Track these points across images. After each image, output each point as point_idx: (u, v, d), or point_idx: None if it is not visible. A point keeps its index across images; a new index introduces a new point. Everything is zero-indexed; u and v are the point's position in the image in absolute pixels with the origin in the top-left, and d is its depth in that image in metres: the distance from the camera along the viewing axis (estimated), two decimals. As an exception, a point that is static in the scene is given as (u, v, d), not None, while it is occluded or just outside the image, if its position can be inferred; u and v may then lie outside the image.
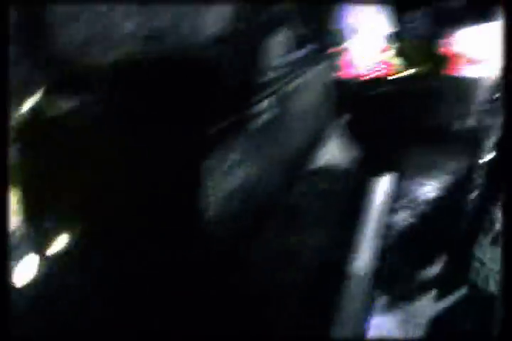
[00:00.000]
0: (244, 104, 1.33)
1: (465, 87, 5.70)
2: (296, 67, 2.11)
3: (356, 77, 5.29)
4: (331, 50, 4.61)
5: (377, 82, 5.46)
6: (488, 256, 1.24)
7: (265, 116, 1.54)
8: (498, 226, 1.20)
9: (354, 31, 5.42)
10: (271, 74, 1.74)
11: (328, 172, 2.16)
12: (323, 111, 2.46)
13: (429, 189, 4.38)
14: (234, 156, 1.27)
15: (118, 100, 1.11)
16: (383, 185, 2.21)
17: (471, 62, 5.66)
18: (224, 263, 1.23)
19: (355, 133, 2.71)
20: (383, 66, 5.67)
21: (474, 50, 5.65)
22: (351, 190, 2.10)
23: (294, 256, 1.54)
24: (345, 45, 5.11)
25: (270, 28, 2.14)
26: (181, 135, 1.09)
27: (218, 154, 1.16)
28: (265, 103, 1.54)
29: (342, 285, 1.45)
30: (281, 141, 1.75)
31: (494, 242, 1.22)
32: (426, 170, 4.75)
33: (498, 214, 1.21)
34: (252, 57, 1.66)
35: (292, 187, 1.82)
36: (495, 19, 5.62)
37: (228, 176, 1.27)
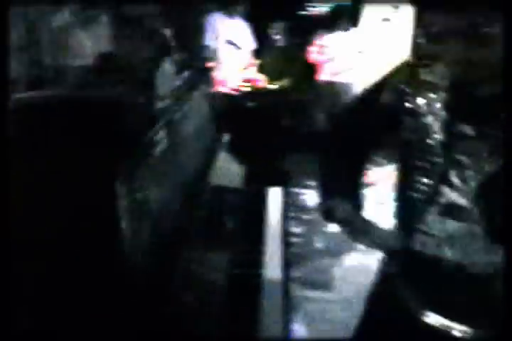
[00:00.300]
0: (140, 136, 1.33)
1: (333, 93, 5.99)
2: (180, 92, 2.12)
3: (229, 92, 5.37)
4: (204, 67, 4.66)
5: (249, 95, 5.58)
6: (438, 227, 1.28)
7: (161, 145, 1.53)
8: (447, 198, 1.23)
9: (222, 47, 5.51)
10: (161, 104, 1.74)
11: (223, 189, 2.18)
12: (211, 129, 2.47)
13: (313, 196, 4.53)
14: (139, 185, 1.26)
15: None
16: (275, 196, 2.25)
17: (336, 69, 5.95)
18: (144, 295, 1.20)
19: (239, 148, 2.74)
20: (251, 80, 5.81)
21: (339, 57, 5.94)
22: (246, 204, 2.12)
23: (205, 274, 1.53)
24: (215, 60, 5.17)
25: (157, 57, 2.14)
26: (88, 171, 1.06)
27: (124, 185, 1.14)
28: (159, 132, 1.54)
29: (258, 296, 1.47)
30: (179, 166, 1.75)
31: (443, 213, 1.25)
32: (311, 178, 4.92)
33: (444, 188, 1.24)
34: (145, 89, 1.67)
35: (193, 208, 1.82)
36: (357, 27, 5.95)
37: (137, 205, 1.25)
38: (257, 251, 1.78)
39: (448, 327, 1.34)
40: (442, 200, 1.33)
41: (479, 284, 1.29)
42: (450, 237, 1.32)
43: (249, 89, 5.70)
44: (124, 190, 1.13)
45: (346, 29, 5.93)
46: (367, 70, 6.03)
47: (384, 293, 1.56)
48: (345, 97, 6.00)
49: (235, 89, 5.50)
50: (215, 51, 5.39)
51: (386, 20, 5.90)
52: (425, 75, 1.39)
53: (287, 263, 1.80)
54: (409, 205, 1.43)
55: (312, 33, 6.03)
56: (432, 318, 1.37)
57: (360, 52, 5.90)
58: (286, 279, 1.67)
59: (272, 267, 1.70)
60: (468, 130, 1.28)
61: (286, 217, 2.14)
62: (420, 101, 1.37)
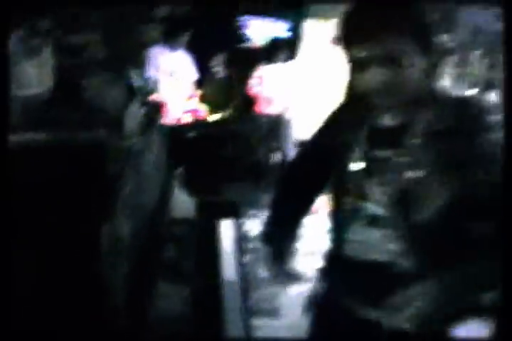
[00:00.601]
0: (116, 176, 1.40)
1: (272, 124, 6.16)
2: (141, 128, 2.20)
3: (173, 123, 5.43)
4: (148, 100, 4.72)
5: (191, 126, 5.65)
6: (363, 235, 1.48)
7: (127, 182, 1.60)
8: (368, 211, 1.43)
9: (163, 78, 5.57)
10: (128, 143, 1.82)
11: (179, 222, 2.28)
12: (164, 163, 2.56)
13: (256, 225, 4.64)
14: (116, 223, 1.34)
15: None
16: (228, 228, 2.36)
17: (271, 101, 6.12)
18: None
19: (190, 180, 2.84)
20: (193, 111, 5.89)
21: (275, 89, 6.12)
22: (201, 236, 2.21)
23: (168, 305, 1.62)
24: (158, 92, 5.22)
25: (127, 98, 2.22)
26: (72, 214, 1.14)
27: (105, 223, 1.22)
28: (128, 171, 1.62)
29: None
30: (143, 202, 1.83)
31: (367, 223, 1.45)
32: (256, 206, 5.05)
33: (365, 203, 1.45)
34: (115, 129, 1.74)
35: (156, 240, 1.91)
36: (294, 59, 6.16)
37: (111, 241, 1.32)
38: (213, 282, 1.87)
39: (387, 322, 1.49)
40: (364, 213, 1.51)
41: (402, 282, 1.43)
42: (373, 242, 1.50)
43: (190, 120, 5.80)
44: (107, 229, 1.22)
45: (285, 61, 6.13)
46: (305, 102, 6.27)
47: (328, 300, 1.68)
48: (283, 129, 6.20)
49: (177, 121, 5.58)
50: (156, 83, 5.47)
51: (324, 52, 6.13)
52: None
53: (244, 291, 1.89)
54: (340, 220, 1.59)
55: (252, 65, 6.21)
56: (373, 315, 1.51)
57: (298, 84, 6.11)
58: (245, 307, 1.76)
59: (231, 295, 1.79)
60: (382, 154, 1.46)
61: (239, 247, 2.22)
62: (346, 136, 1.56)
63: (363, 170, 1.52)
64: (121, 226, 1.36)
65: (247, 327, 1.58)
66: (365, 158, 1.51)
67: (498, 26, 7.64)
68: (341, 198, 1.58)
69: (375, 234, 1.49)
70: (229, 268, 2.01)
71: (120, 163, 1.32)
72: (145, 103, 3.30)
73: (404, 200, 1.43)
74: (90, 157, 1.25)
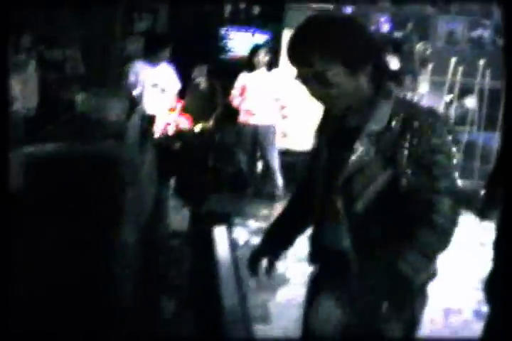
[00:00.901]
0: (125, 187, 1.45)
1: (252, 134, 6.22)
2: (137, 140, 2.26)
3: (156, 135, 5.46)
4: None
5: (175, 137, 5.68)
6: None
7: (131, 195, 1.65)
8: None
9: (147, 90, 5.61)
10: (129, 154, 1.86)
11: (175, 233, 2.31)
12: (156, 174, 2.59)
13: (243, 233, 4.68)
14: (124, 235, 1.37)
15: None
16: (222, 234, 2.39)
17: (253, 111, 6.17)
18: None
19: (181, 191, 2.88)
20: (176, 122, 5.93)
21: (257, 99, 6.17)
22: (196, 244, 2.25)
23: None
24: (139, 104, 5.24)
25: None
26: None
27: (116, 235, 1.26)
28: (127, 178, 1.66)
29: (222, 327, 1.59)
30: (142, 209, 1.86)
31: None
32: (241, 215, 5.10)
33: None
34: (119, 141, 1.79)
35: (152, 248, 1.93)
36: (276, 69, 6.22)
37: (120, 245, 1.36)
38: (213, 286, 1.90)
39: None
40: None
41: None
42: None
43: (173, 131, 5.84)
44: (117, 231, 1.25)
45: (266, 71, 6.18)
46: (287, 112, 6.34)
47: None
48: (266, 138, 6.25)
49: (161, 132, 5.61)
50: (140, 95, 5.51)
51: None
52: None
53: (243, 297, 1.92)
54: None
55: (233, 75, 6.26)
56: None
57: (280, 93, 6.16)
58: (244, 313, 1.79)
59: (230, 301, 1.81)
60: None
61: (233, 253, 2.25)
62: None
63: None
64: (128, 232, 1.40)
65: (249, 333, 1.61)
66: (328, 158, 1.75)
67: (475, 33, 7.82)
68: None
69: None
70: (226, 273, 2.03)
71: (125, 171, 1.36)
72: (143, 115, 3.34)
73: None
74: (100, 166, 1.29)
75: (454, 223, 1.56)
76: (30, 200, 1.16)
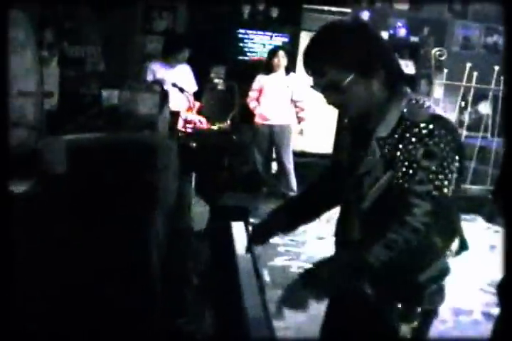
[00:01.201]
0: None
1: (270, 135, 6.29)
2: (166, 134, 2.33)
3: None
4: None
5: (192, 137, 5.75)
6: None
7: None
8: None
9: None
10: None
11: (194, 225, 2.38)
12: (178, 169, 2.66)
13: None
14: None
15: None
16: (240, 229, 2.45)
17: (270, 112, 6.25)
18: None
19: (197, 188, 2.95)
20: (193, 122, 5.99)
21: (274, 100, 6.24)
22: (215, 238, 2.30)
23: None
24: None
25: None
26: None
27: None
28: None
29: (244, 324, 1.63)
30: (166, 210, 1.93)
31: None
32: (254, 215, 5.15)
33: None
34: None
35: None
36: (293, 71, 6.27)
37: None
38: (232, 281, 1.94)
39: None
40: None
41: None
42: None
43: (190, 130, 5.90)
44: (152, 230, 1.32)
45: (283, 73, 6.25)
46: (305, 114, 6.41)
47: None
48: (281, 139, 6.33)
49: (179, 130, 5.68)
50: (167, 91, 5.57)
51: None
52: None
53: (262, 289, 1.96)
54: None
55: (251, 77, 6.34)
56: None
57: (296, 95, 6.23)
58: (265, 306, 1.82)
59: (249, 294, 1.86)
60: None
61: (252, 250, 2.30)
62: None
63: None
64: (159, 223, 1.47)
65: (270, 326, 1.64)
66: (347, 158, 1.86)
67: (489, 39, 7.85)
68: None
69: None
70: (245, 268, 2.08)
71: (163, 158, 1.43)
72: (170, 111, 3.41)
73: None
74: (141, 152, 1.36)
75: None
76: (72, 185, 1.24)
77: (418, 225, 1.58)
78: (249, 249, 2.03)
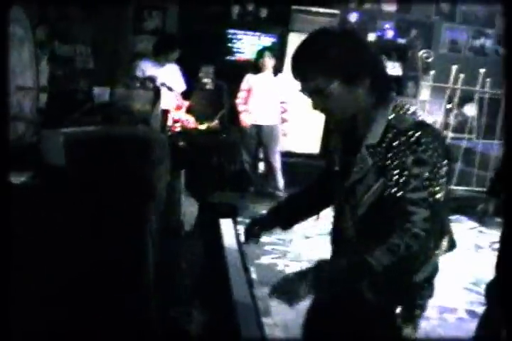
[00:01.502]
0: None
1: (257, 135, 6.31)
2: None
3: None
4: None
5: (180, 136, 5.76)
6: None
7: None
8: None
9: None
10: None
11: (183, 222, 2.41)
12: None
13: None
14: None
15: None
16: (228, 226, 2.48)
17: (258, 112, 6.27)
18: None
19: (191, 188, 2.97)
20: (181, 121, 6.01)
21: (262, 100, 6.27)
22: (204, 235, 2.33)
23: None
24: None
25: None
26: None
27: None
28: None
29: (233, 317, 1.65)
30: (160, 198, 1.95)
31: None
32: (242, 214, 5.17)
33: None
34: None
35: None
36: (281, 71, 6.30)
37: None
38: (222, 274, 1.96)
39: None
40: None
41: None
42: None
43: (178, 129, 5.92)
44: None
45: (271, 73, 6.28)
46: (288, 116, 6.45)
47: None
48: (269, 139, 6.37)
49: (168, 128, 5.69)
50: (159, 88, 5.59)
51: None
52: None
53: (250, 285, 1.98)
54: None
55: (239, 77, 6.36)
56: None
57: (284, 95, 6.26)
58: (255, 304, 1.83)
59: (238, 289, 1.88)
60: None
61: (240, 246, 2.32)
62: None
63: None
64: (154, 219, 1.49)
65: (259, 325, 1.66)
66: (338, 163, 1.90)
67: (476, 42, 7.94)
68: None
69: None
70: (234, 264, 2.10)
71: (158, 152, 1.45)
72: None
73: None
74: (137, 145, 1.39)
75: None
76: (69, 178, 1.26)
77: (418, 231, 1.60)
78: (247, 240, 2.12)
